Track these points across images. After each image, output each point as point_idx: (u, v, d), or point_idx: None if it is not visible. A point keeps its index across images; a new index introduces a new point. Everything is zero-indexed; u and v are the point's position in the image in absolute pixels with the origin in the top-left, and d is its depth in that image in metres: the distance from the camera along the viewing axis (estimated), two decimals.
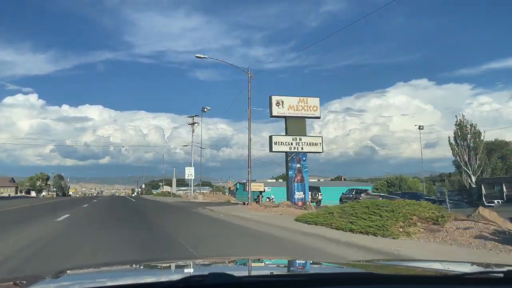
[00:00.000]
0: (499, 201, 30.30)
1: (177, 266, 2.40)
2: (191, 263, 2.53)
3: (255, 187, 31.96)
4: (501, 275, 1.49)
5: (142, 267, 2.33)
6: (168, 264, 2.50)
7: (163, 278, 1.66)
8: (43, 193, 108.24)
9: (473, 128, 43.69)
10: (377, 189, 56.80)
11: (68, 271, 1.94)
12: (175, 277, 1.40)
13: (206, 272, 1.35)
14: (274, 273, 1.91)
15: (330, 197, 42.38)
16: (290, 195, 26.72)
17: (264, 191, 34.12)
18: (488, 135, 60.76)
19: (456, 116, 44.42)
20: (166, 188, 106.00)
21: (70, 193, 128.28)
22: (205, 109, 53.94)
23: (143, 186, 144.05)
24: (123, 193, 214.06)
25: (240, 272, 1.92)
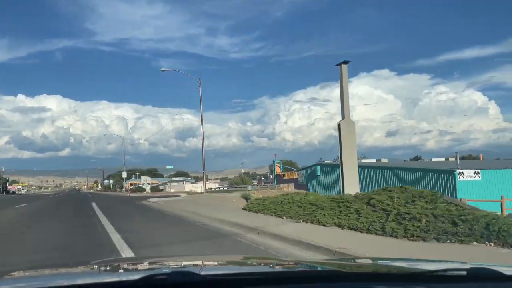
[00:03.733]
0: None
1: (135, 265, 2.34)
2: (149, 262, 2.48)
3: None
4: (464, 272, 1.54)
5: (99, 267, 2.21)
6: (126, 264, 2.44)
7: (123, 278, 1.62)
8: None
9: None
10: None
11: (14, 273, 1.87)
12: (135, 276, 1.38)
13: (168, 271, 1.34)
14: (240, 272, 1.88)
15: None
16: None
17: None
18: None
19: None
20: (145, 179, 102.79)
21: (13, 189, 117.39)
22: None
23: (110, 181, 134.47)
24: (84, 187, 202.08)
25: (203, 271, 1.91)
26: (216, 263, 2.43)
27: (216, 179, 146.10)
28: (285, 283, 1.44)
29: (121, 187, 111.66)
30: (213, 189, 73.98)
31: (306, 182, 58.07)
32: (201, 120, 36.28)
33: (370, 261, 2.58)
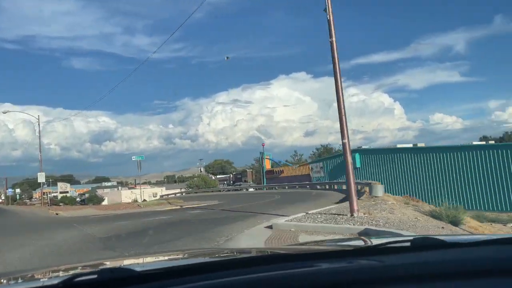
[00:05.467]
0: None
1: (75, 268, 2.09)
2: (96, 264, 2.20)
3: None
4: (408, 244, 1.61)
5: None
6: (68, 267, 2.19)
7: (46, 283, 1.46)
8: None
9: None
10: None
11: None
12: (59, 279, 1.28)
13: (96, 270, 1.29)
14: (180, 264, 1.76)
15: None
16: None
17: None
18: None
19: None
20: (63, 186, 78.40)
21: None
22: None
23: (16, 190, 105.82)
24: None
25: (144, 267, 1.78)
26: (176, 256, 2.35)
27: (145, 183, 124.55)
28: (215, 271, 1.29)
29: (31, 197, 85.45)
30: (172, 195, 54.16)
31: (330, 179, 40.23)
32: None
33: (328, 243, 2.62)
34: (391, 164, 34.41)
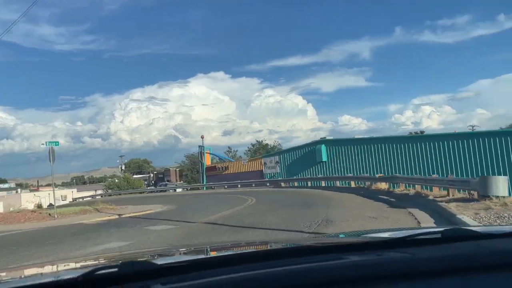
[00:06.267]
0: None
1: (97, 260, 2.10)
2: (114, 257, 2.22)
3: None
4: (439, 235, 1.56)
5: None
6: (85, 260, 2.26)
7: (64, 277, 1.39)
8: None
9: None
10: None
11: None
12: (80, 272, 1.23)
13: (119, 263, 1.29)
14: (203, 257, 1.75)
15: None
16: None
17: None
18: None
19: None
20: None
21: None
22: None
23: None
24: None
25: (164, 260, 1.76)
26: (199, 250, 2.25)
27: (49, 184, 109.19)
28: (240, 263, 1.28)
29: None
30: (89, 197, 45.01)
31: (288, 175, 34.35)
32: None
33: (353, 235, 2.56)
34: (367, 155, 29.35)
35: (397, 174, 19.51)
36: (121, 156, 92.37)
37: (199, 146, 45.21)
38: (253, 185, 33.98)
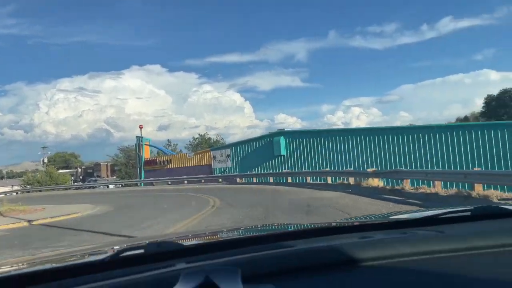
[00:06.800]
0: None
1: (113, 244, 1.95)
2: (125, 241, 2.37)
3: None
4: (469, 213, 1.54)
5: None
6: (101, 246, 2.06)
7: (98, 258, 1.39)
8: None
9: None
10: None
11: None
12: (109, 254, 1.26)
13: (145, 243, 1.32)
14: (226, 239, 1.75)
15: None
16: None
17: None
18: None
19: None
20: None
21: None
22: None
23: None
24: None
25: (189, 241, 1.76)
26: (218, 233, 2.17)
27: None
28: (261, 243, 1.31)
29: None
30: (1, 195, 38.11)
31: (242, 170, 30.44)
32: None
33: (380, 216, 2.44)
34: (334, 148, 26.22)
35: (401, 168, 16.18)
36: (43, 147, 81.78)
37: (137, 137, 39.66)
38: (203, 181, 29.58)
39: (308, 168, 25.60)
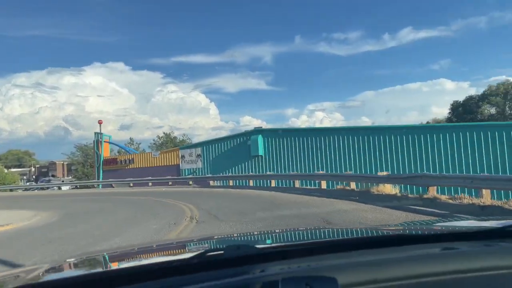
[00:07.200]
0: None
1: (189, 244, 2.13)
2: (202, 241, 2.22)
3: None
4: None
5: (152, 247, 2.06)
6: (177, 243, 2.21)
7: (176, 257, 1.52)
8: None
9: None
10: None
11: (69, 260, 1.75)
12: (189, 254, 1.33)
13: (222, 246, 1.29)
14: (294, 243, 1.68)
15: None
16: None
17: None
18: None
19: None
20: None
21: None
22: None
23: None
24: None
25: (257, 244, 1.72)
26: (273, 235, 2.22)
27: None
28: (342, 251, 1.27)
29: None
30: None
31: (214, 171, 27.24)
32: None
33: (437, 223, 2.27)
34: (318, 150, 23.51)
35: (427, 173, 13.33)
36: None
37: (96, 133, 35.51)
38: (170, 183, 26.09)
39: (295, 170, 22.70)
